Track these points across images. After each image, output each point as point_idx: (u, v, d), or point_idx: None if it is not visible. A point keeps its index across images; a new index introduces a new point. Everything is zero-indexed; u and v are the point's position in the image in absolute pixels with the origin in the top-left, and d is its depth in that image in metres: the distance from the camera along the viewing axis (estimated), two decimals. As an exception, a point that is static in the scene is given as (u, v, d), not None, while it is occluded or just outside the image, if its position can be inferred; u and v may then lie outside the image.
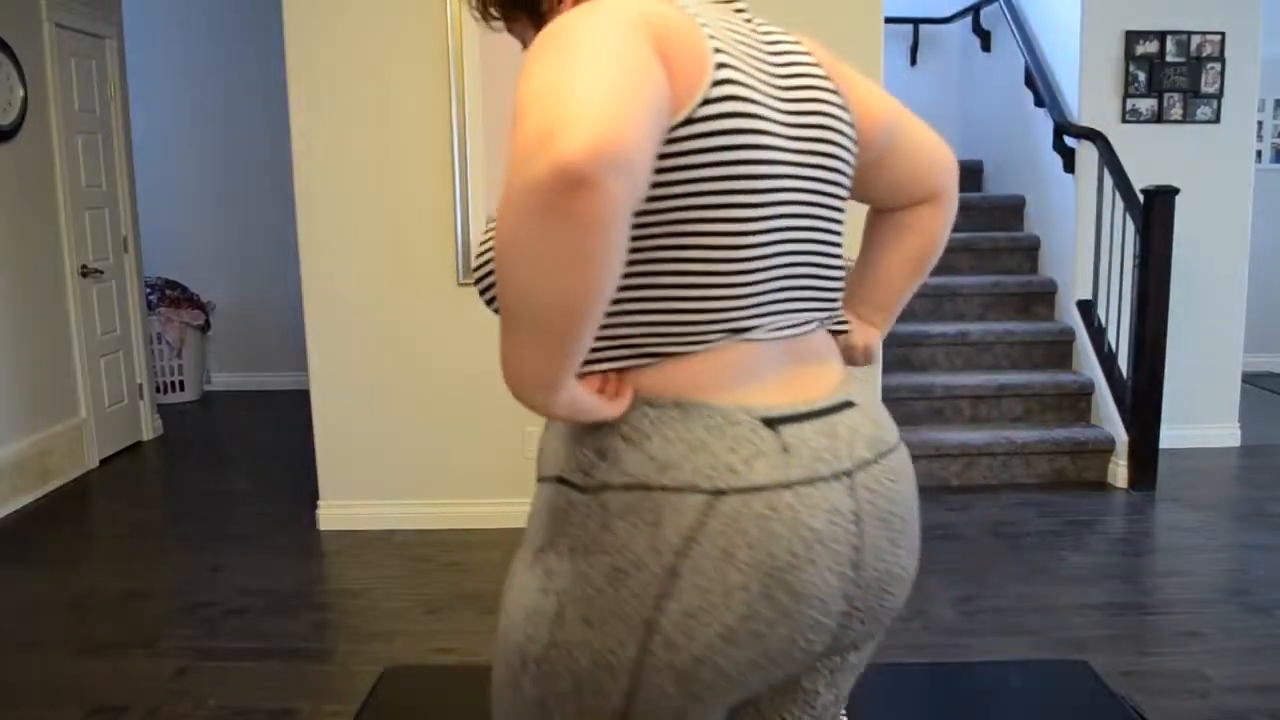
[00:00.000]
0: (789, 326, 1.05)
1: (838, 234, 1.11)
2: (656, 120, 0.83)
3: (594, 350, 1.00)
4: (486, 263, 1.05)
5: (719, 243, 0.96)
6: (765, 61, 1.03)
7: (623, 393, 0.98)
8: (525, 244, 0.78)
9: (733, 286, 0.98)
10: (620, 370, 1.00)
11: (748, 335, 1.00)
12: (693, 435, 0.96)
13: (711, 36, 0.97)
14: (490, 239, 1.04)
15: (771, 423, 0.98)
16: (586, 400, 0.94)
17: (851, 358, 1.26)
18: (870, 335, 1.28)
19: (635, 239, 0.95)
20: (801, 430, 0.99)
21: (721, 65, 0.95)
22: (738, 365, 0.99)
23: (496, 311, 0.94)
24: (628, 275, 0.96)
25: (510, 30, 1.17)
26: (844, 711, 2.12)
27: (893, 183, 1.21)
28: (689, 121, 0.93)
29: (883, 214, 1.26)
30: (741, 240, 0.97)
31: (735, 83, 0.96)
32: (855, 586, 1.01)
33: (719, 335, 0.98)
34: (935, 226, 1.24)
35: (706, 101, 0.93)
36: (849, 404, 1.05)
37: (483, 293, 1.07)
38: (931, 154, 1.21)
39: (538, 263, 0.79)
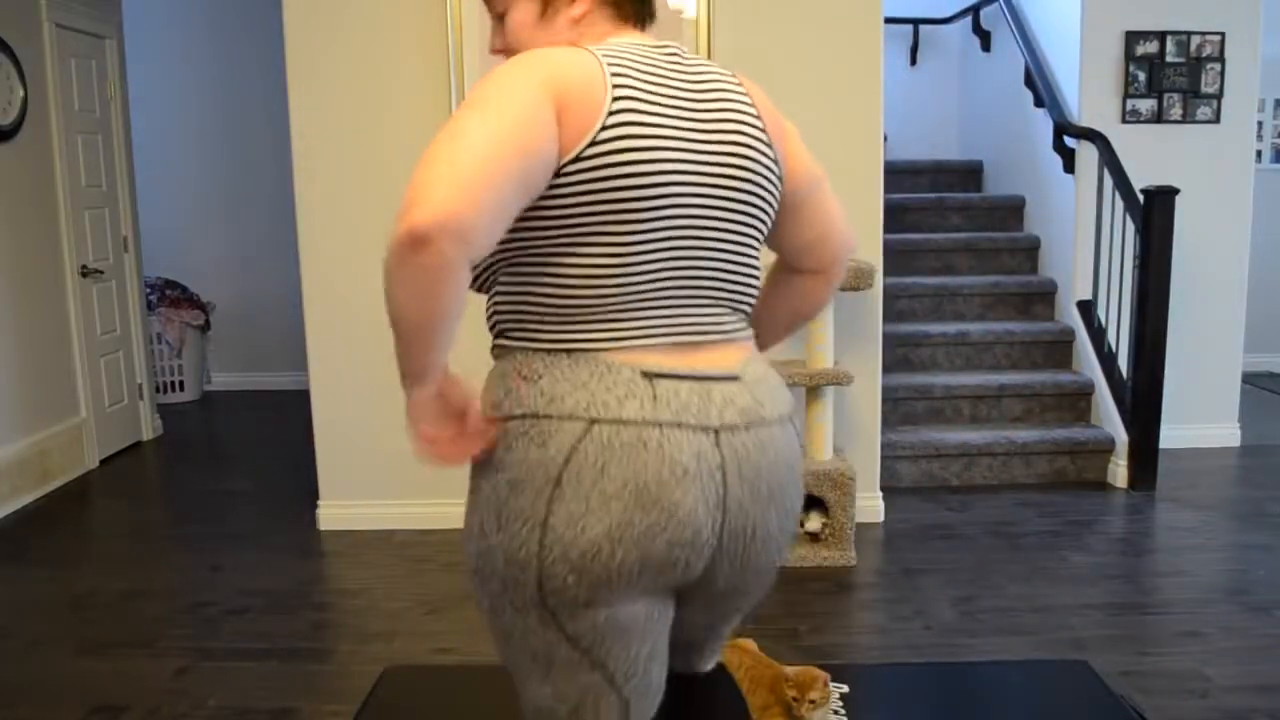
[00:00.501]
0: (687, 331, 1.25)
1: (753, 245, 1.33)
2: (515, 188, 1.10)
3: (502, 340, 1.29)
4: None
5: (593, 259, 1.19)
6: (683, 96, 1.24)
7: (473, 434, 1.22)
8: (392, 278, 1.08)
9: (610, 301, 1.20)
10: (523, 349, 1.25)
11: (633, 340, 1.22)
12: (577, 377, 1.20)
13: (617, 84, 1.18)
14: None
15: (649, 376, 1.20)
16: (425, 407, 1.20)
17: None
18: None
19: (520, 253, 1.22)
20: (676, 385, 1.20)
21: (617, 111, 1.17)
22: (629, 342, 1.22)
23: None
24: (516, 282, 1.24)
25: (499, 13, 1.33)
26: (843, 711, 2.19)
27: (798, 244, 1.43)
28: (576, 159, 1.16)
29: (782, 270, 1.49)
30: (617, 261, 1.19)
31: (631, 122, 1.17)
32: (722, 528, 1.21)
33: (602, 339, 1.21)
34: (819, 296, 1.48)
35: (593, 143, 1.15)
36: (732, 378, 1.25)
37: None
38: (838, 224, 1.41)
39: (398, 291, 1.09)
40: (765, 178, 1.30)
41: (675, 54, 1.29)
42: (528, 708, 1.31)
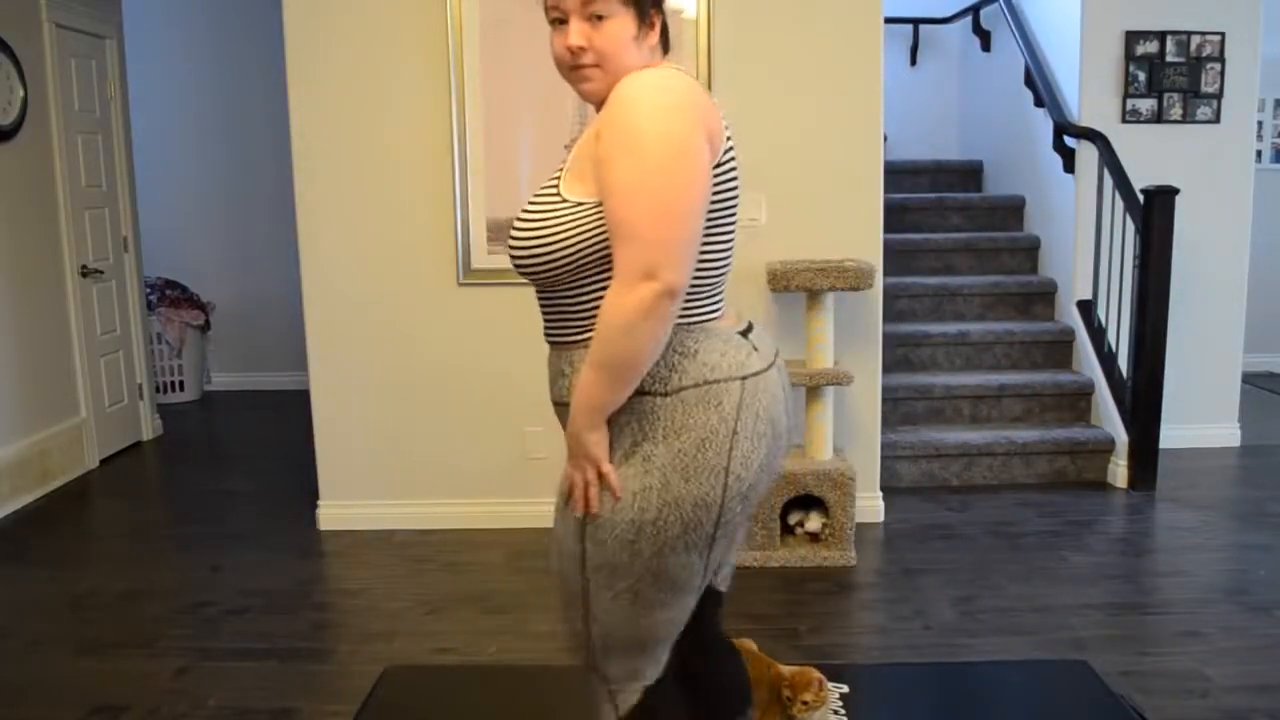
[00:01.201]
0: (723, 297, 1.61)
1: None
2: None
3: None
4: (534, 239, 1.51)
5: (714, 253, 1.52)
6: None
7: (609, 481, 1.50)
8: (639, 328, 1.38)
9: (718, 281, 1.56)
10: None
11: (720, 309, 1.58)
12: (717, 346, 1.51)
13: (720, 112, 1.50)
14: (542, 219, 1.51)
15: (742, 334, 1.57)
16: (602, 445, 1.48)
17: None
18: None
19: None
20: (752, 337, 1.58)
21: (728, 134, 1.51)
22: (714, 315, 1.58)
23: (527, 278, 1.56)
24: None
25: (593, 12, 1.48)
26: (843, 711, 2.23)
27: None
28: (716, 166, 1.46)
29: None
30: (724, 251, 1.54)
31: (731, 142, 1.52)
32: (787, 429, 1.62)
33: (712, 312, 1.56)
34: None
35: (721, 161, 1.47)
36: (750, 323, 1.64)
37: (522, 262, 1.53)
38: None
39: (642, 340, 1.39)
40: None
41: None
42: (616, 638, 1.58)
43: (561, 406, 1.58)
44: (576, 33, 1.47)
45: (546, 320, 1.60)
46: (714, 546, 1.52)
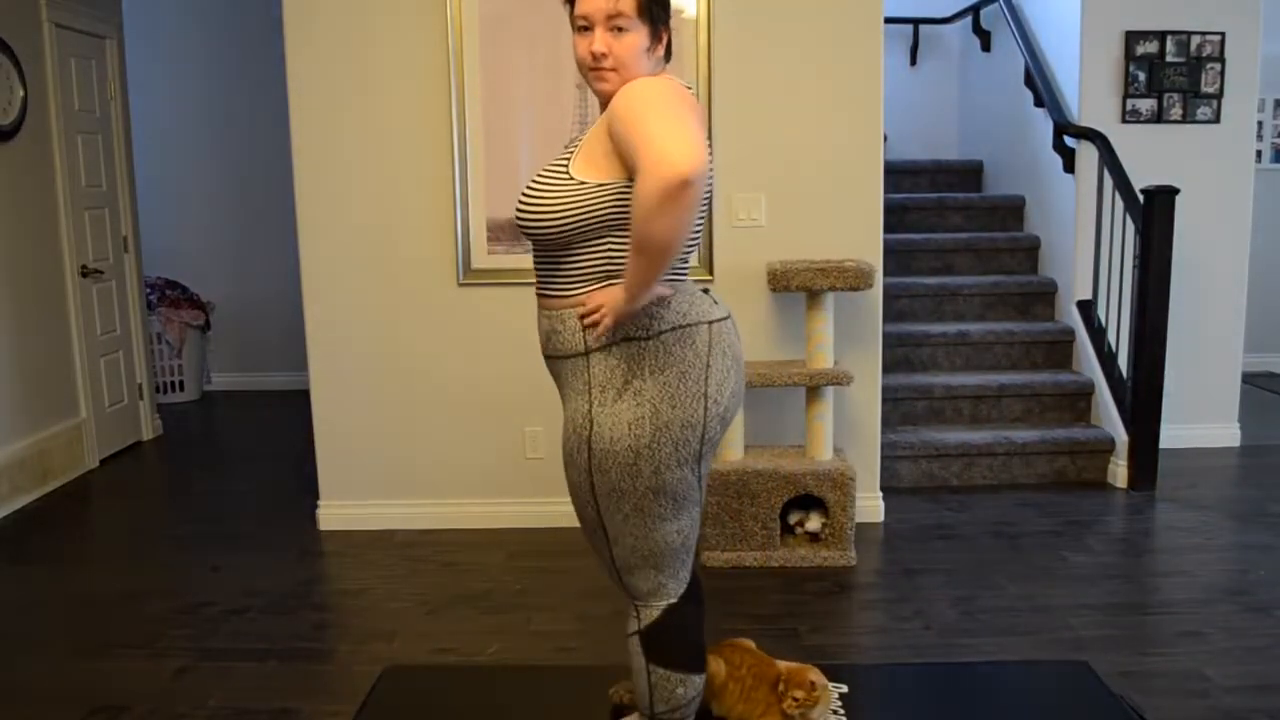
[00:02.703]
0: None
1: None
2: None
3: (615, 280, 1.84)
4: (540, 209, 1.80)
5: (694, 228, 1.76)
6: None
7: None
8: (661, 211, 1.58)
9: (693, 242, 1.82)
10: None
11: (689, 269, 1.98)
12: (687, 299, 1.84)
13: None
14: (548, 192, 1.80)
15: (704, 290, 1.90)
16: (654, 291, 1.76)
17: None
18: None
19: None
20: (711, 293, 1.91)
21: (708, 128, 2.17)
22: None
23: (527, 238, 1.87)
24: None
25: (615, 24, 1.77)
26: (843, 711, 2.25)
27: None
28: None
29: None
30: (699, 226, 1.79)
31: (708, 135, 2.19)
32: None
33: (684, 271, 1.88)
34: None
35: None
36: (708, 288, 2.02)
37: (525, 225, 1.82)
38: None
39: (667, 221, 1.59)
40: None
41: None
42: (642, 552, 1.87)
43: (553, 360, 1.89)
44: (600, 40, 1.76)
45: (540, 277, 1.89)
46: (702, 461, 1.84)
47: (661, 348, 1.79)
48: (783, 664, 2.31)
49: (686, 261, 1.88)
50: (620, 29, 1.75)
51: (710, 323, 1.83)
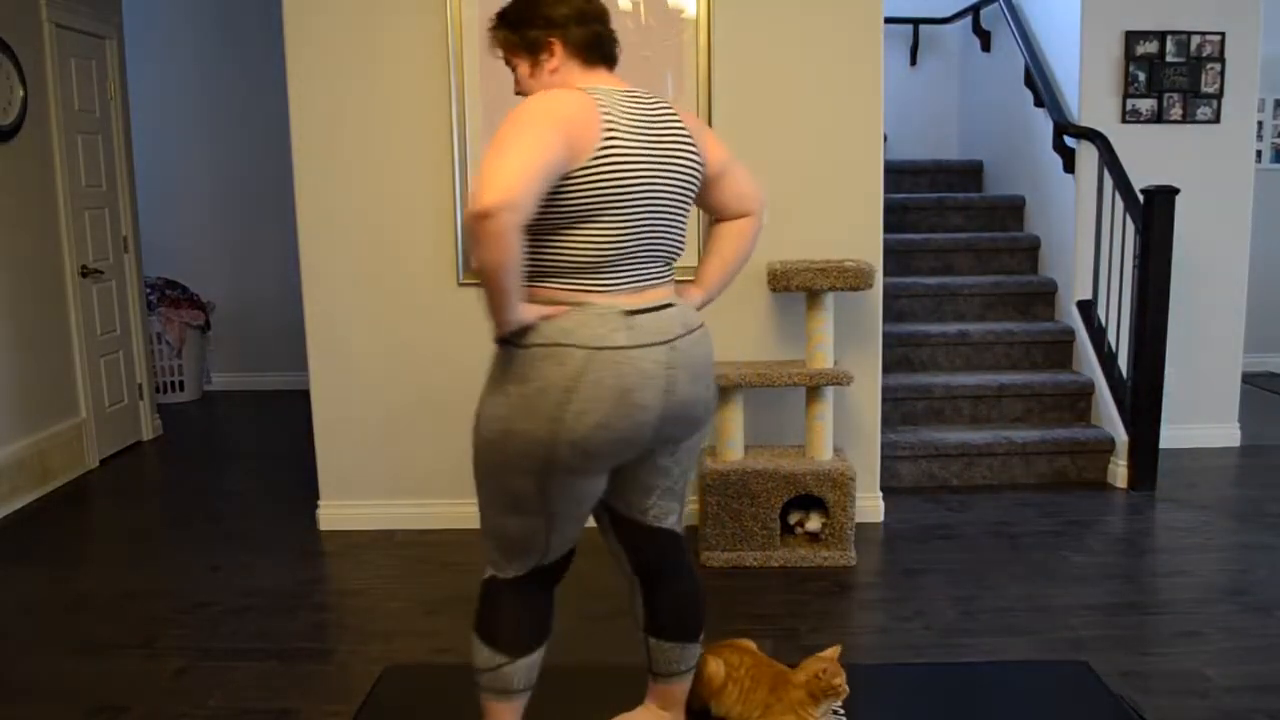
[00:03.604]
0: (642, 279, 1.89)
1: (684, 222, 1.96)
2: (544, 178, 1.68)
3: (533, 284, 1.87)
4: None
5: (590, 235, 1.81)
6: (645, 125, 1.86)
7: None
8: (473, 241, 1.65)
9: (596, 252, 1.82)
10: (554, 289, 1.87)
11: (613, 288, 1.85)
12: (579, 318, 1.81)
13: (608, 118, 1.80)
14: None
15: (629, 313, 1.84)
16: (525, 315, 1.79)
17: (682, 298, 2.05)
18: (692, 297, 2.10)
19: (546, 226, 1.81)
20: (643, 318, 1.85)
21: (608, 136, 1.79)
22: (606, 290, 1.86)
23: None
24: (543, 247, 1.83)
25: (508, 63, 1.97)
26: (843, 711, 2.25)
27: (721, 202, 2.06)
28: (582, 169, 1.77)
29: (718, 224, 2.11)
30: (606, 239, 1.81)
31: (615, 145, 1.79)
32: (668, 404, 1.86)
33: (598, 288, 1.85)
34: (750, 231, 2.09)
35: (593, 160, 1.77)
36: (670, 305, 1.92)
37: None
38: (748, 188, 2.08)
39: (476, 250, 1.65)
40: (693, 172, 1.95)
41: (637, 96, 1.90)
42: (485, 525, 1.98)
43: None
44: (515, 82, 1.99)
45: None
46: (550, 479, 1.84)
47: (530, 360, 1.80)
48: (784, 666, 2.31)
49: (599, 279, 1.83)
50: (512, 66, 1.96)
51: (594, 349, 1.77)
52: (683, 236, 1.97)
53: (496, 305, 1.74)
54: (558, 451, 1.79)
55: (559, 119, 1.73)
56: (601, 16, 1.93)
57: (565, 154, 1.73)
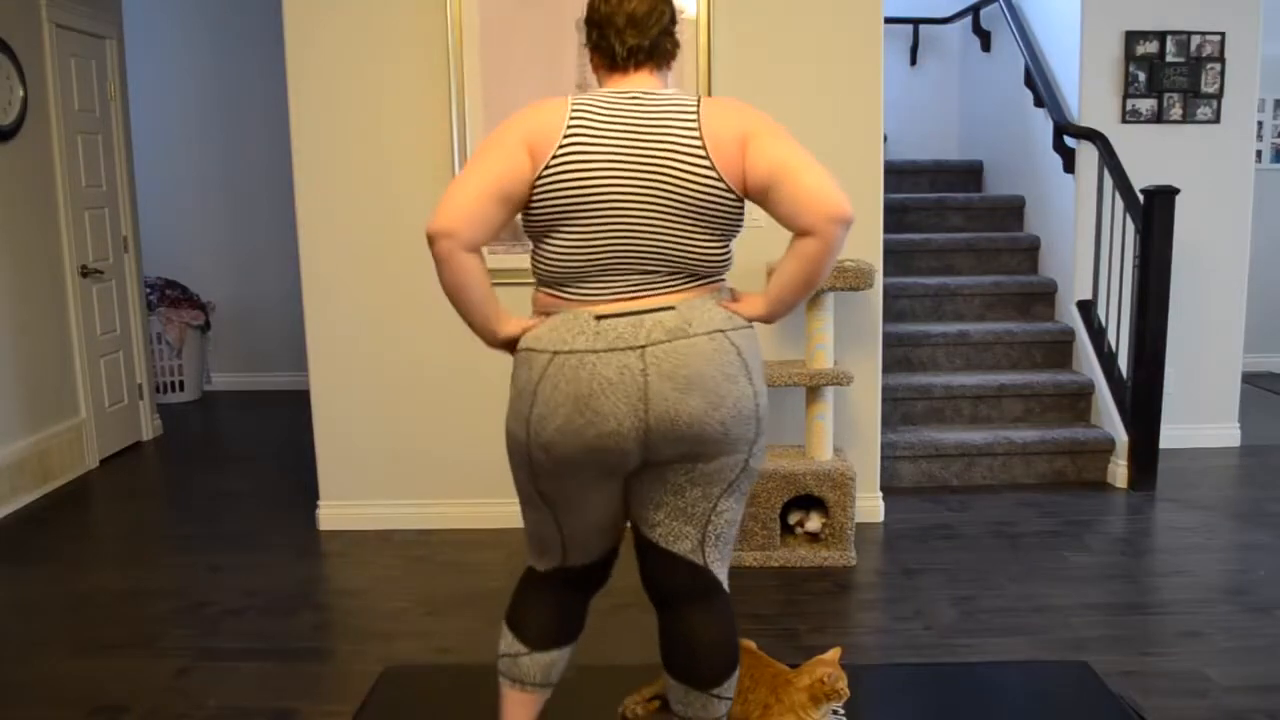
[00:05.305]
0: (634, 288, 1.81)
1: (692, 226, 1.79)
2: (498, 198, 1.75)
3: (537, 290, 1.90)
4: None
5: (561, 244, 1.81)
6: (630, 127, 1.78)
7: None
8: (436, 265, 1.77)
9: (569, 260, 1.81)
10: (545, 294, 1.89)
11: (596, 296, 1.81)
12: (553, 323, 1.82)
13: (574, 125, 1.77)
14: None
15: (599, 318, 1.79)
16: (508, 328, 1.88)
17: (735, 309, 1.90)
18: (748, 306, 1.90)
19: (532, 235, 1.85)
20: (615, 322, 1.78)
21: (567, 141, 1.76)
22: (585, 299, 1.83)
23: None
24: (534, 255, 1.87)
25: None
26: (843, 711, 2.25)
27: (779, 215, 1.80)
28: (540, 177, 1.77)
29: (793, 236, 1.84)
30: (575, 245, 1.80)
31: (574, 152, 1.76)
32: (649, 414, 1.76)
33: (578, 296, 1.83)
34: (810, 252, 1.77)
35: (548, 167, 1.76)
36: (667, 309, 1.79)
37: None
38: (808, 202, 1.74)
39: (438, 273, 1.77)
40: (690, 180, 1.77)
41: (638, 96, 1.82)
42: (525, 521, 2.01)
43: None
44: None
45: None
46: (539, 479, 1.87)
47: (515, 364, 1.87)
48: (786, 666, 2.31)
49: (577, 287, 1.82)
50: None
51: (554, 353, 1.77)
52: (699, 249, 1.81)
53: (470, 323, 1.83)
54: (533, 454, 1.83)
55: (524, 131, 1.77)
56: (608, 19, 1.87)
57: (529, 165, 1.76)
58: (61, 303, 4.65)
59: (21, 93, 4.35)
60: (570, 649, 2.06)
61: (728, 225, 1.83)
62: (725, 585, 1.97)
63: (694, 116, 1.79)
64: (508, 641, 2.03)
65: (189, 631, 3.05)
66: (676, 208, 1.78)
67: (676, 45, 1.94)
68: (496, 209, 1.75)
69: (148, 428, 5.36)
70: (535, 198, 1.78)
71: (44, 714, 2.57)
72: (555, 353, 1.77)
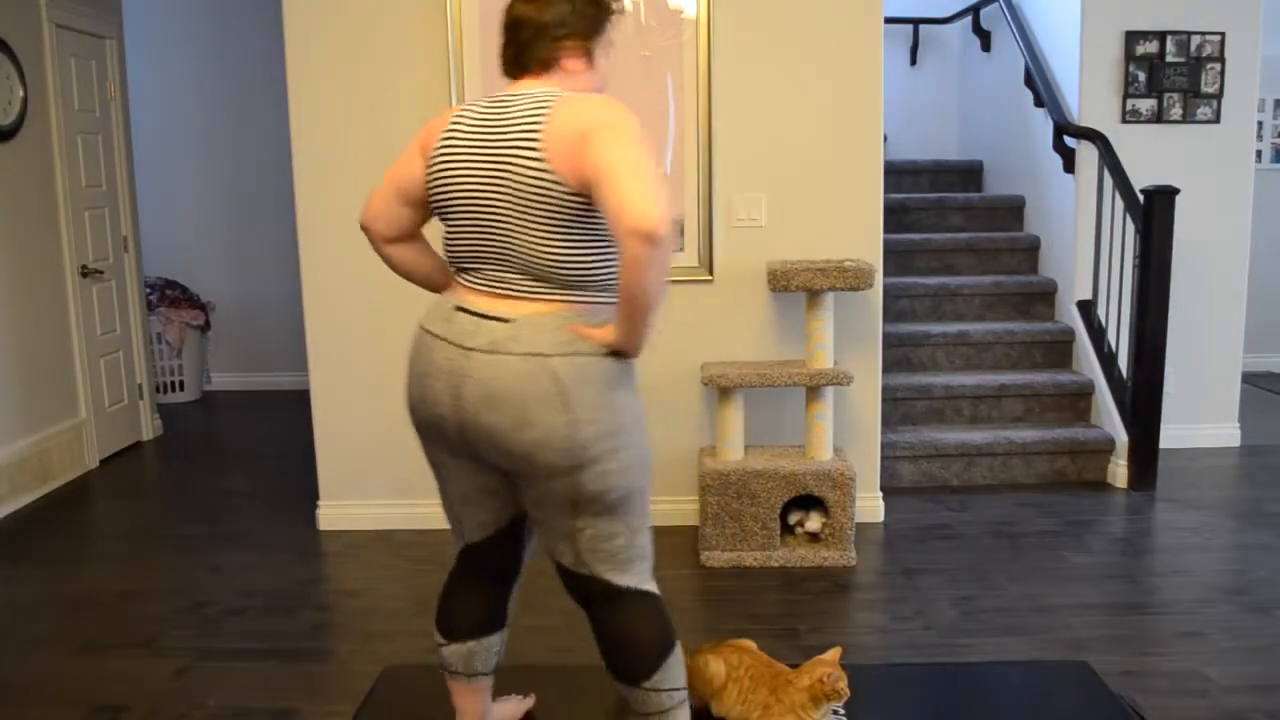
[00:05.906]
0: (499, 285, 1.86)
1: (537, 227, 1.79)
2: (399, 195, 1.99)
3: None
4: None
5: (447, 235, 1.93)
6: (488, 128, 1.84)
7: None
8: None
9: (453, 250, 1.92)
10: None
11: (475, 287, 1.89)
12: (434, 304, 1.94)
13: (451, 127, 1.89)
14: None
15: (457, 309, 1.87)
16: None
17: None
18: (603, 333, 1.82)
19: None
20: (465, 316, 1.85)
21: (439, 143, 1.89)
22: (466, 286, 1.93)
23: None
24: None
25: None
26: (843, 712, 2.25)
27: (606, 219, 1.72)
28: (426, 176, 1.93)
29: None
30: (450, 228, 1.91)
31: (442, 152, 1.89)
32: (460, 411, 1.82)
33: (463, 284, 1.93)
34: (624, 264, 1.65)
35: (428, 168, 1.92)
36: (503, 319, 1.82)
37: None
38: (616, 211, 1.64)
39: None
40: (528, 178, 1.77)
41: (506, 99, 1.86)
42: None
43: None
44: None
45: None
46: (420, 439, 1.99)
47: None
48: (786, 666, 2.31)
49: (461, 271, 1.93)
50: None
51: (422, 329, 1.92)
52: (543, 249, 1.79)
53: (421, 283, 2.13)
54: (410, 416, 1.98)
55: (422, 135, 1.96)
56: (510, 25, 1.90)
57: (421, 166, 1.94)
58: (61, 303, 4.65)
59: (21, 93, 4.35)
60: (491, 640, 2.10)
61: (571, 224, 1.77)
62: (639, 587, 1.92)
63: (546, 113, 1.77)
64: (436, 633, 2.14)
65: (189, 631, 3.05)
66: (515, 203, 1.79)
67: (579, 54, 1.89)
68: (400, 206, 1.98)
69: (148, 428, 5.36)
70: (427, 196, 1.95)
71: (44, 714, 2.57)
72: (422, 329, 1.92)
